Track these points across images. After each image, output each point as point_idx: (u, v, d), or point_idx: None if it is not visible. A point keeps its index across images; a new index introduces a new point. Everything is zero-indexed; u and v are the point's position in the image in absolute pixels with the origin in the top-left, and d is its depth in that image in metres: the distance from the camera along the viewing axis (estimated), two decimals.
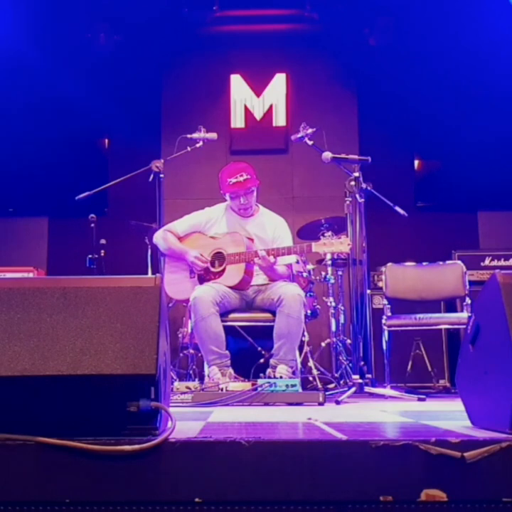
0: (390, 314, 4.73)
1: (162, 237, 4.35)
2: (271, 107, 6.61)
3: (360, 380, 3.92)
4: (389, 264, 5.03)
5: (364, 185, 4.09)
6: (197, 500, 1.48)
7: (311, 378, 4.67)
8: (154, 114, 6.61)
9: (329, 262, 4.99)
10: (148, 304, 1.68)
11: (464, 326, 3.61)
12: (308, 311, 4.81)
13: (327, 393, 3.65)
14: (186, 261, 4.28)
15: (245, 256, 4.10)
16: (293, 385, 3.41)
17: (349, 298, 4.70)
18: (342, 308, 5.14)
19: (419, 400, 3.80)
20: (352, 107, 6.63)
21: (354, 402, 3.65)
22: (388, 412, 2.83)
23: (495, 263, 5.52)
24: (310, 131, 4.31)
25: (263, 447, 1.51)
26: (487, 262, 5.55)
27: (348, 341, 4.97)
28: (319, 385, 4.57)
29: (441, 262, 5.11)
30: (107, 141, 6.70)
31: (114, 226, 5.65)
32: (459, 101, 6.25)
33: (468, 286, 4.83)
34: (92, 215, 5.13)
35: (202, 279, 4.25)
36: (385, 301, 4.85)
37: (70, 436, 1.52)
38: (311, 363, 4.74)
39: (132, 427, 1.59)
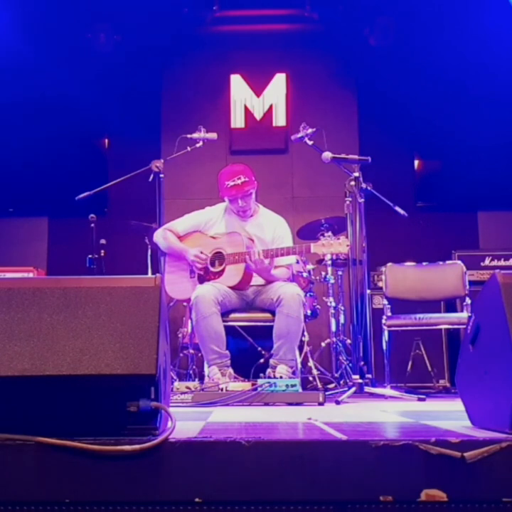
0: (390, 314, 4.73)
1: (162, 236, 4.35)
2: (271, 107, 6.61)
3: (360, 380, 3.92)
4: (389, 264, 5.03)
5: (364, 185, 4.09)
6: (197, 500, 1.48)
7: (311, 378, 4.67)
8: (154, 114, 6.61)
9: (329, 262, 4.98)
10: (148, 303, 1.68)
11: (464, 326, 3.60)
12: (308, 311, 4.82)
13: (327, 393, 3.65)
14: (186, 260, 4.28)
15: (244, 256, 4.11)
16: (293, 385, 3.41)
17: (349, 298, 4.70)
18: (342, 308, 5.14)
19: (419, 399, 3.80)
20: (352, 107, 6.63)
21: (354, 402, 3.65)
22: (388, 412, 2.83)
23: (495, 263, 5.52)
24: (310, 131, 4.31)
25: (263, 447, 1.50)
26: (487, 262, 5.55)
27: (348, 341, 4.96)
28: (319, 385, 4.57)
29: (441, 262, 5.10)
30: (107, 141, 6.70)
31: (114, 226, 5.64)
32: (459, 101, 6.25)
33: (468, 286, 4.83)
34: (92, 215, 5.12)
35: (202, 279, 4.25)
36: (385, 301, 4.85)
37: (70, 436, 1.52)
38: (311, 363, 4.74)
39: (132, 427, 1.59)
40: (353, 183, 4.08)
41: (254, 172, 4.34)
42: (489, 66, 6.05)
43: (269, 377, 3.77)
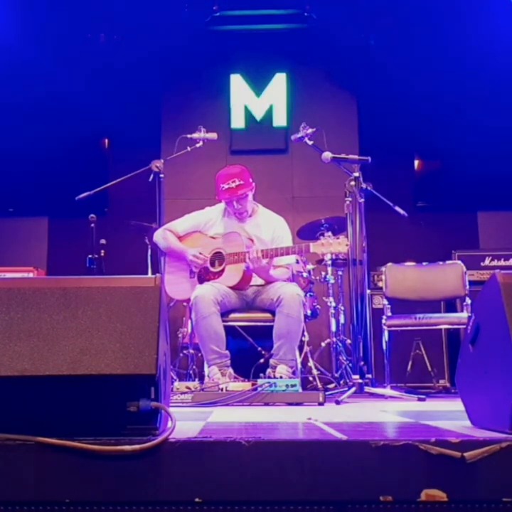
0: (390, 314, 4.73)
1: (162, 236, 4.36)
2: (271, 107, 6.61)
3: (360, 380, 3.92)
4: (389, 264, 5.03)
5: (364, 185, 4.09)
6: (197, 500, 1.48)
7: (311, 378, 4.67)
8: (154, 114, 6.61)
9: (329, 262, 4.99)
10: (148, 303, 1.68)
11: (464, 326, 3.60)
12: (308, 311, 4.81)
13: (327, 393, 3.64)
14: (186, 260, 4.29)
15: (243, 256, 4.11)
16: (293, 385, 3.41)
17: (349, 298, 4.69)
18: (342, 308, 5.14)
19: (419, 400, 3.80)
20: (352, 107, 6.63)
21: (354, 402, 3.65)
22: (388, 412, 2.83)
23: (495, 263, 5.52)
24: (310, 131, 4.31)
25: (263, 447, 1.50)
26: (487, 262, 5.55)
27: (348, 341, 4.97)
28: (319, 385, 4.57)
29: (441, 262, 5.10)
30: (107, 141, 6.70)
31: (114, 226, 5.64)
32: (459, 101, 6.25)
33: (468, 286, 4.83)
34: (92, 215, 5.12)
35: (201, 279, 4.25)
36: (385, 301, 4.85)
37: (70, 436, 1.52)
38: (311, 363, 4.74)
39: (132, 427, 1.59)
40: (353, 183, 4.08)
41: (252, 173, 4.34)
42: (489, 66, 6.06)
43: (269, 377, 3.76)
